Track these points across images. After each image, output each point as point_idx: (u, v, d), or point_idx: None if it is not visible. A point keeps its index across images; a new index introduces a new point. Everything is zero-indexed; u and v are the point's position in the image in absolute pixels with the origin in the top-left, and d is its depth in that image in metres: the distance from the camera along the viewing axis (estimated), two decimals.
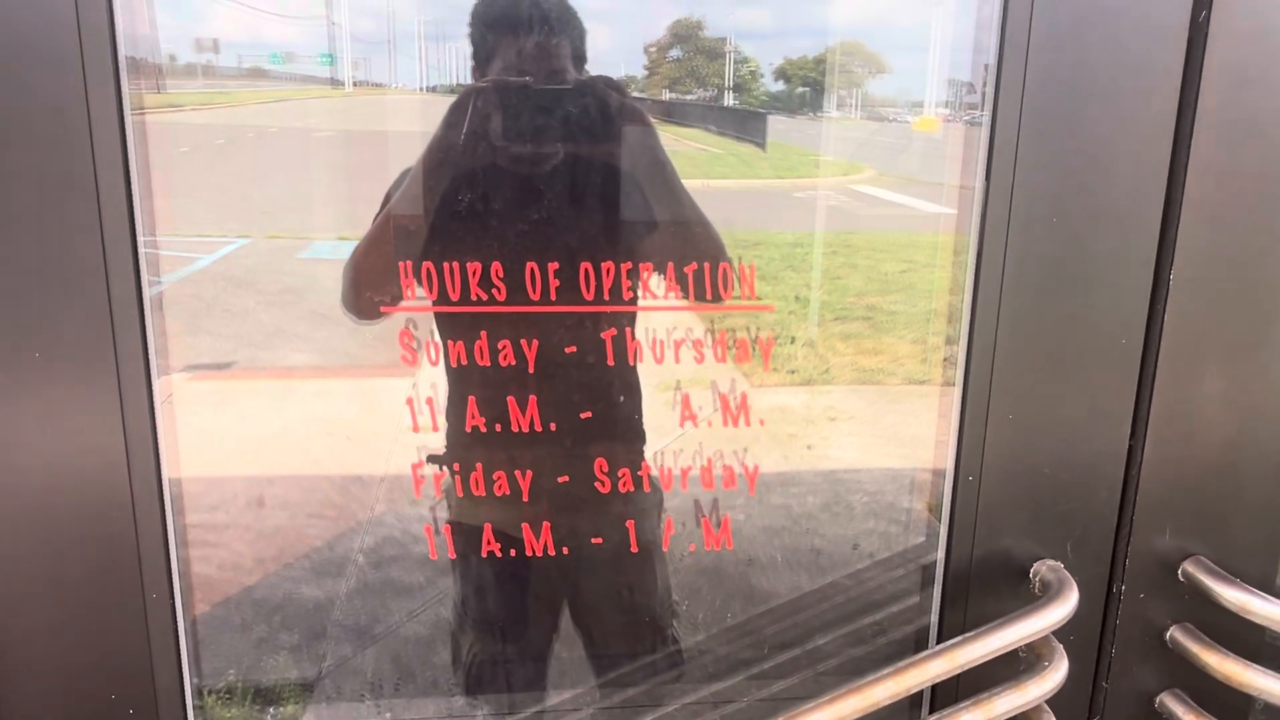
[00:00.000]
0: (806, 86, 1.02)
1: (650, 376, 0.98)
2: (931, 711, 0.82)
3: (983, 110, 0.79)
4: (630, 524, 0.98)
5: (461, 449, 0.91)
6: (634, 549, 0.98)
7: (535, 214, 0.89)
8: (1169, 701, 0.88)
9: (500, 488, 0.89)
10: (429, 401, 0.89)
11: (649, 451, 1.01)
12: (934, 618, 0.90)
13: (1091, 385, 0.83)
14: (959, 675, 0.78)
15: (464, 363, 0.86)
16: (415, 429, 0.89)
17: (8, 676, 0.79)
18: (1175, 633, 0.86)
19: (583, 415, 0.95)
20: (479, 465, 0.89)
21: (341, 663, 1.39)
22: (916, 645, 0.98)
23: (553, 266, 0.83)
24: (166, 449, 0.77)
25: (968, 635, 0.77)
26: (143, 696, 0.80)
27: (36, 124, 0.68)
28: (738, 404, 0.93)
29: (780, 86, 0.98)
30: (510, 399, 0.88)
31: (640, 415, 1.01)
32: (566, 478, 0.93)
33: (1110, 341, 0.82)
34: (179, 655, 0.80)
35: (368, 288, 0.90)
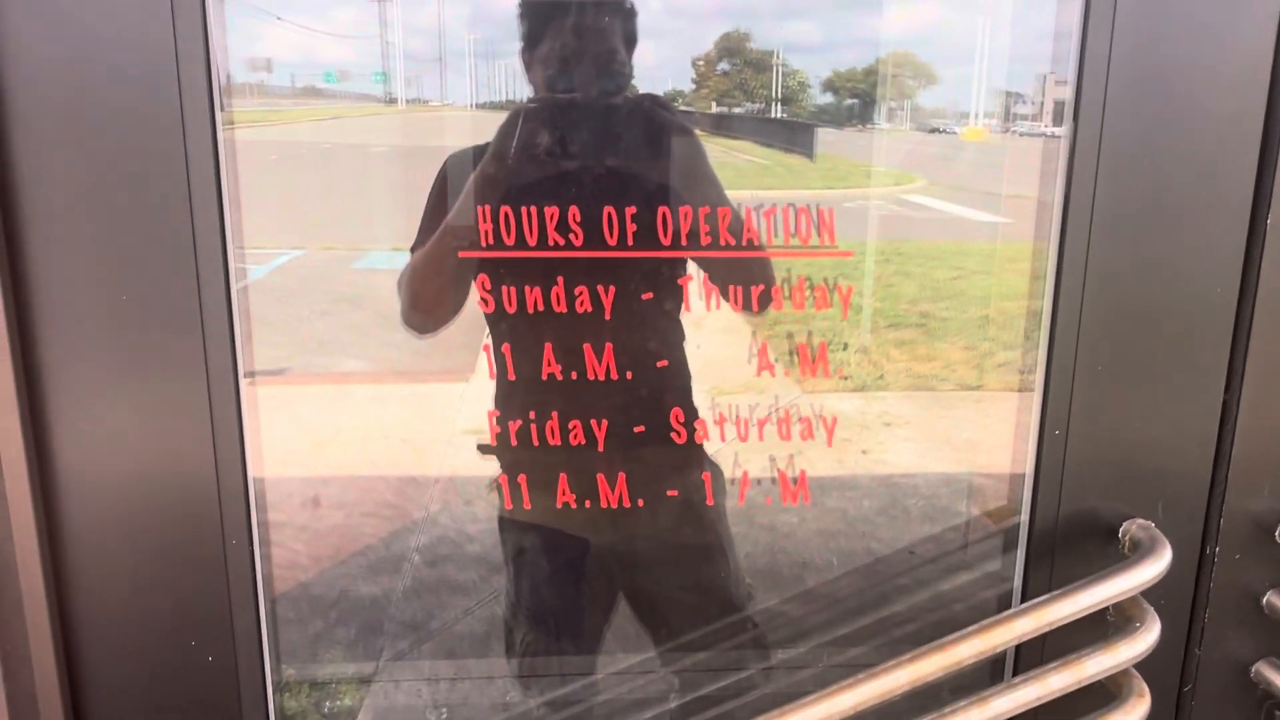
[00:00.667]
0: (855, 98, 1.01)
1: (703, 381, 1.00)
2: (1015, 674, 0.81)
3: (1037, 120, 0.77)
4: (706, 476, 0.99)
5: (532, 401, 0.92)
6: (709, 502, 1.00)
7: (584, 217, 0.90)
8: (1265, 670, 0.85)
9: (575, 437, 0.89)
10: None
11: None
12: (1017, 580, 0.88)
13: (1183, 336, 0.80)
14: (1044, 638, 0.76)
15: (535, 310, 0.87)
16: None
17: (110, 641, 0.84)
18: (1273, 598, 0.83)
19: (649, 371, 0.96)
20: (554, 414, 0.90)
21: (398, 656, 1.44)
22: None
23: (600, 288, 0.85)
24: (250, 437, 0.81)
25: (1055, 593, 0.75)
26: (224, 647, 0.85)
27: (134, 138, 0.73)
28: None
29: (829, 98, 0.97)
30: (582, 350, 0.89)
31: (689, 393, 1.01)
32: (642, 428, 0.94)
33: (1203, 290, 0.79)
34: (257, 603, 0.84)
35: (433, 296, 0.93)
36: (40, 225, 0.73)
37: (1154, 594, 0.77)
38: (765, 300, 0.92)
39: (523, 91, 0.92)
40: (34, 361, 0.76)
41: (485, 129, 0.92)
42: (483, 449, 0.95)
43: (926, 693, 0.74)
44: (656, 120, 0.90)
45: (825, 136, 1.04)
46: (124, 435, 0.80)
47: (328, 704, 1.39)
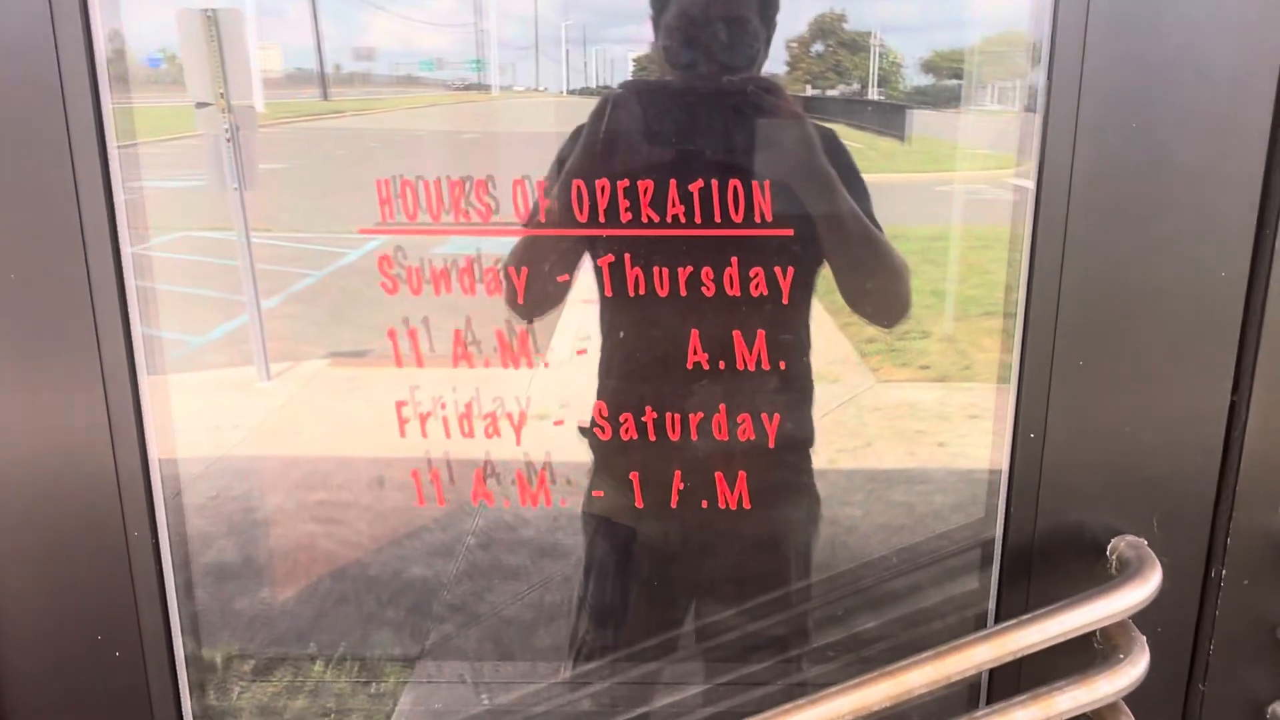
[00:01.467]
0: (954, 78, 1.00)
1: None
2: (988, 702, 0.75)
3: None
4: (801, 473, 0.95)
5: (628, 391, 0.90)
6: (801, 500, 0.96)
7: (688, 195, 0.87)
8: None
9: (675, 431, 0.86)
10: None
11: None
12: (991, 602, 0.80)
13: (1183, 326, 0.70)
14: (1020, 665, 0.69)
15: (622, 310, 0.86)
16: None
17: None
18: None
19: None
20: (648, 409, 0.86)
21: (444, 640, 1.44)
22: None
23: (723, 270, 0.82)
24: (151, 425, 0.79)
25: (1023, 619, 0.67)
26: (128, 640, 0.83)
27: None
28: None
29: (926, 79, 0.97)
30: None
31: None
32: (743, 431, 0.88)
33: (1208, 274, 0.69)
34: (164, 597, 0.81)
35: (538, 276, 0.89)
36: None
37: (1148, 621, 0.68)
38: (898, 312, 0.88)
39: (614, 77, 0.91)
40: None
41: (577, 115, 0.90)
42: (583, 431, 0.93)
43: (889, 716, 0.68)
44: (764, 107, 0.85)
45: (922, 119, 1.04)
46: (18, 425, 0.79)
47: (373, 685, 1.40)
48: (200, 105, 1.60)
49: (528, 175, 0.82)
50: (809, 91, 0.96)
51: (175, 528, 0.83)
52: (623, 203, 0.80)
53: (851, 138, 1.02)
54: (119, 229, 0.74)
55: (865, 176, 0.91)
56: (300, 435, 1.99)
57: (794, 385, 0.91)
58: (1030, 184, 0.72)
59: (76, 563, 0.82)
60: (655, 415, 0.85)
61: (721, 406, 0.85)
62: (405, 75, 0.99)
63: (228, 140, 1.59)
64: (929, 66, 0.99)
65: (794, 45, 0.94)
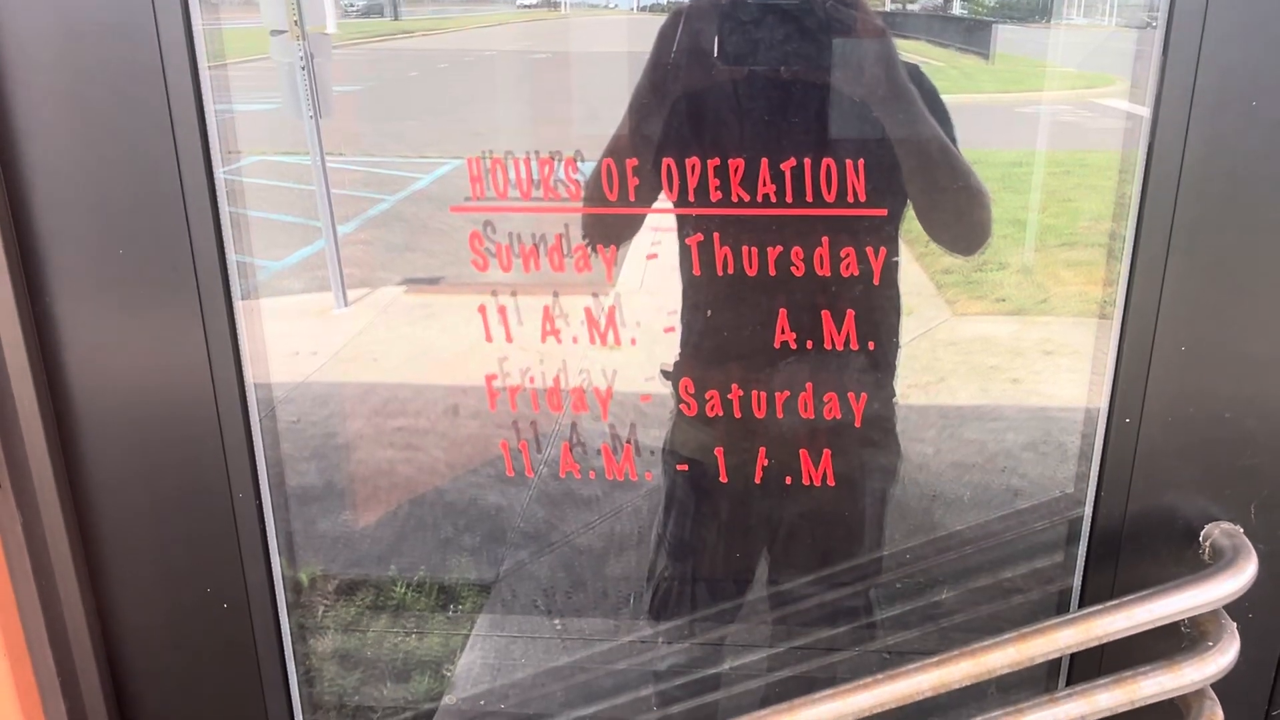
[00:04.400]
0: None
1: None
2: (1068, 684, 0.75)
3: None
4: (876, 449, 0.95)
5: (695, 361, 0.90)
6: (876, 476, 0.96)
7: (767, 121, 0.86)
8: None
9: (740, 401, 0.86)
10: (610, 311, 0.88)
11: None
12: (1076, 581, 0.79)
13: None
14: (1103, 648, 0.68)
15: (698, 272, 0.84)
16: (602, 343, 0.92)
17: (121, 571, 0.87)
18: None
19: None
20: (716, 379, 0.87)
21: (518, 567, 1.50)
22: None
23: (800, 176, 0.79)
24: (250, 356, 0.82)
25: (1110, 604, 0.66)
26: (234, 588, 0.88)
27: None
28: None
29: None
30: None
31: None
32: (805, 389, 0.89)
33: None
34: (266, 549, 0.86)
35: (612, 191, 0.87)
36: (39, 163, 0.76)
37: (1239, 608, 0.66)
38: (978, 240, 0.86)
39: None
40: (42, 305, 0.80)
41: (646, 33, 0.92)
42: (665, 374, 0.94)
43: (969, 689, 0.68)
44: (843, 20, 0.82)
45: (1008, 34, 0.98)
46: (123, 350, 0.82)
47: (451, 607, 1.47)
48: (275, 33, 1.62)
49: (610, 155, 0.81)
50: (888, 6, 0.93)
51: (270, 449, 0.87)
52: (689, 167, 0.78)
53: (931, 54, 0.98)
54: (211, 152, 0.75)
55: (946, 98, 0.88)
56: (378, 362, 2.06)
57: (881, 361, 0.90)
58: (1135, 107, 0.68)
59: (179, 478, 0.85)
60: (741, 392, 0.85)
61: (809, 385, 0.85)
62: None
63: (302, 68, 1.61)
64: None
65: None
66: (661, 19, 0.85)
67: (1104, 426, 0.72)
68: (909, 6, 0.91)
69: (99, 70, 0.74)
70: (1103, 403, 0.72)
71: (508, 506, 1.63)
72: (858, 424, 0.87)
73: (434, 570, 1.46)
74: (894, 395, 0.92)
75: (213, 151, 0.76)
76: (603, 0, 1.02)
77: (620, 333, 0.83)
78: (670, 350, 0.91)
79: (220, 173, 0.78)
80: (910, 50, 0.98)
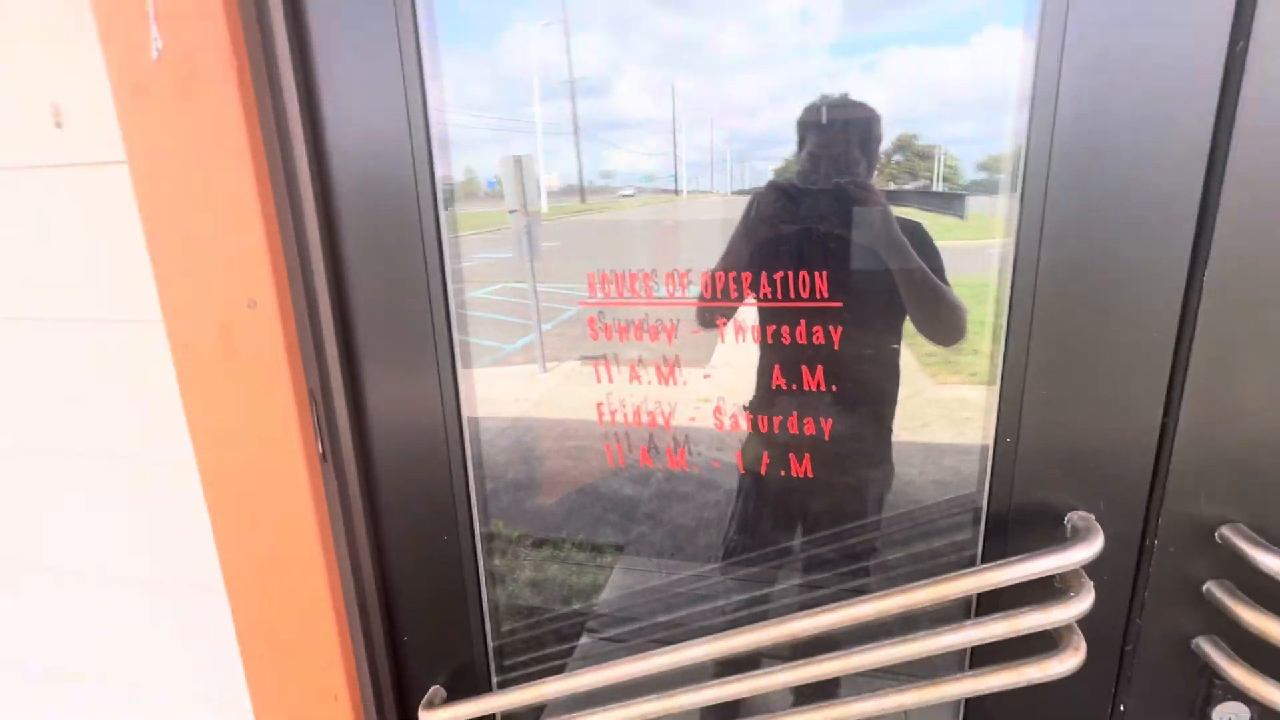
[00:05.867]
0: (1000, 173, 0.99)
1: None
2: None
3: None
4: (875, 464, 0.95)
5: (764, 401, 0.93)
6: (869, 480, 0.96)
7: (810, 255, 0.89)
8: (1205, 645, 0.69)
9: (791, 428, 0.88)
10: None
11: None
12: (978, 548, 0.77)
13: (1123, 368, 0.65)
14: (999, 595, 0.68)
15: (770, 342, 0.87)
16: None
17: (392, 523, 0.91)
18: (1212, 586, 0.67)
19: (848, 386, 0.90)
20: (777, 412, 0.89)
21: (640, 535, 1.55)
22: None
23: (820, 279, 0.84)
24: (465, 400, 0.85)
25: (998, 563, 0.66)
26: (451, 524, 0.91)
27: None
28: None
29: (981, 175, 0.97)
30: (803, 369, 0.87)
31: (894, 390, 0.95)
32: (831, 422, 0.90)
33: (1142, 335, 0.64)
34: (470, 507, 0.89)
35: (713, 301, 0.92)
36: (357, 280, 0.81)
37: (1095, 572, 0.65)
38: (954, 338, 0.87)
39: (759, 182, 0.92)
40: (354, 350, 0.84)
41: (737, 206, 0.94)
42: (745, 407, 0.94)
43: (908, 618, 0.69)
44: (858, 198, 0.87)
45: (976, 202, 1.01)
46: (395, 396, 0.85)
47: (588, 571, 1.53)
48: (511, 211, 1.85)
49: (687, 269, 0.88)
50: (891, 186, 0.97)
51: (476, 459, 0.89)
52: (763, 280, 0.83)
53: (920, 216, 1.02)
54: (447, 279, 0.80)
55: (937, 242, 0.89)
56: (561, 406, 2.21)
57: (884, 401, 0.91)
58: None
59: (426, 478, 0.88)
60: (780, 418, 0.87)
61: (831, 420, 0.86)
62: (631, 185, 1.07)
63: (526, 231, 1.82)
64: (981, 167, 1.00)
65: (882, 157, 0.97)
66: (745, 200, 0.92)
67: (992, 443, 0.71)
68: (904, 186, 0.94)
69: (387, 216, 0.78)
70: (991, 427, 0.71)
71: (635, 495, 1.69)
72: (865, 446, 0.89)
73: (589, 535, 1.53)
74: (891, 432, 0.93)
75: (448, 278, 0.80)
76: (707, 186, 1.10)
77: (677, 375, 0.88)
78: (704, 389, 0.94)
79: (451, 290, 0.81)
80: (903, 213, 1.00)
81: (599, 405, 0.91)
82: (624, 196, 1.10)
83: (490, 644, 0.93)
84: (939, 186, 0.94)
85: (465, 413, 0.85)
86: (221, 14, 0.69)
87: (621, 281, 0.84)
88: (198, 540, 0.91)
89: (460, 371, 0.83)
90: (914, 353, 0.95)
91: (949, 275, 0.92)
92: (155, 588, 0.96)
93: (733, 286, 0.87)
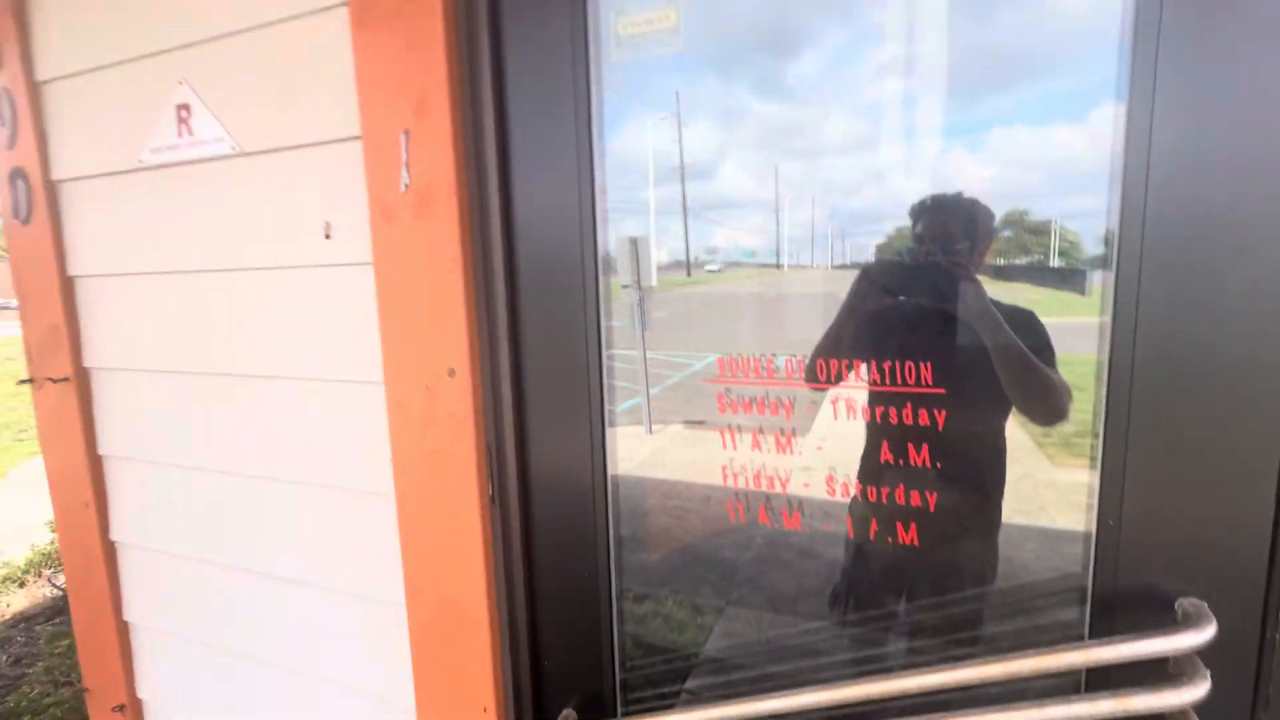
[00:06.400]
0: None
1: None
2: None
3: None
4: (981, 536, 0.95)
5: (872, 474, 0.95)
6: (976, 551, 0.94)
7: (916, 337, 0.91)
8: None
9: (897, 498, 0.91)
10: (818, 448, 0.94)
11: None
12: (1086, 628, 0.77)
13: (1231, 453, 0.65)
14: (1109, 673, 0.67)
15: (878, 421, 0.89)
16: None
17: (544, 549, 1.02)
18: None
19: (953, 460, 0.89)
20: (884, 486, 0.92)
21: (739, 599, 1.58)
22: None
23: (926, 367, 0.86)
24: (610, 459, 0.94)
25: (1102, 640, 0.67)
26: (592, 596, 1.00)
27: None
28: None
29: (1103, 250, 0.84)
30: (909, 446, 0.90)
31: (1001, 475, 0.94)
32: (936, 496, 0.91)
33: (1251, 419, 0.65)
34: (609, 552, 0.98)
35: (823, 370, 0.95)
36: (529, 346, 0.95)
37: (1215, 660, 0.64)
38: (1053, 419, 0.85)
39: (861, 258, 0.96)
40: (524, 411, 0.97)
41: (838, 280, 0.98)
42: (857, 476, 0.97)
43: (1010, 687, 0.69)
44: (952, 274, 0.89)
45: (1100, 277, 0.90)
46: (556, 448, 0.97)
47: (699, 618, 1.57)
48: (625, 285, 2.01)
49: (797, 355, 0.92)
50: (1000, 262, 0.92)
51: (615, 509, 0.98)
52: (871, 367, 0.87)
53: (1035, 292, 0.94)
54: (603, 348, 0.92)
55: (1053, 319, 0.88)
56: (666, 466, 2.30)
57: (988, 478, 0.89)
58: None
59: (574, 523, 0.98)
60: (888, 490, 0.89)
61: (934, 494, 0.88)
62: (733, 260, 1.08)
63: (638, 303, 1.97)
64: (1102, 240, 0.86)
65: (989, 235, 0.90)
66: (845, 274, 0.95)
67: (1096, 526, 0.72)
68: (1015, 261, 0.91)
69: (557, 302, 0.93)
70: (1094, 510, 0.71)
71: (734, 558, 1.73)
72: (967, 521, 0.88)
73: (691, 593, 1.58)
74: (998, 510, 0.91)
75: (604, 355, 0.93)
76: (808, 261, 1.05)
77: (794, 444, 0.93)
78: (816, 459, 0.97)
79: (605, 356, 0.93)
80: (1017, 289, 0.95)
81: (723, 467, 0.98)
82: (710, 272, 1.12)
83: (618, 676, 1.02)
84: (1055, 261, 0.91)
85: (611, 469, 0.96)
86: (451, 162, 0.93)
87: (748, 365, 0.94)
88: (388, 560, 1.09)
89: (609, 433, 0.95)
90: (1029, 434, 0.94)
91: (1068, 353, 0.90)
92: (353, 599, 1.16)
93: (837, 364, 0.92)
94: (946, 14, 0.83)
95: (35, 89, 1.26)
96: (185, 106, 1.13)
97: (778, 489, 0.95)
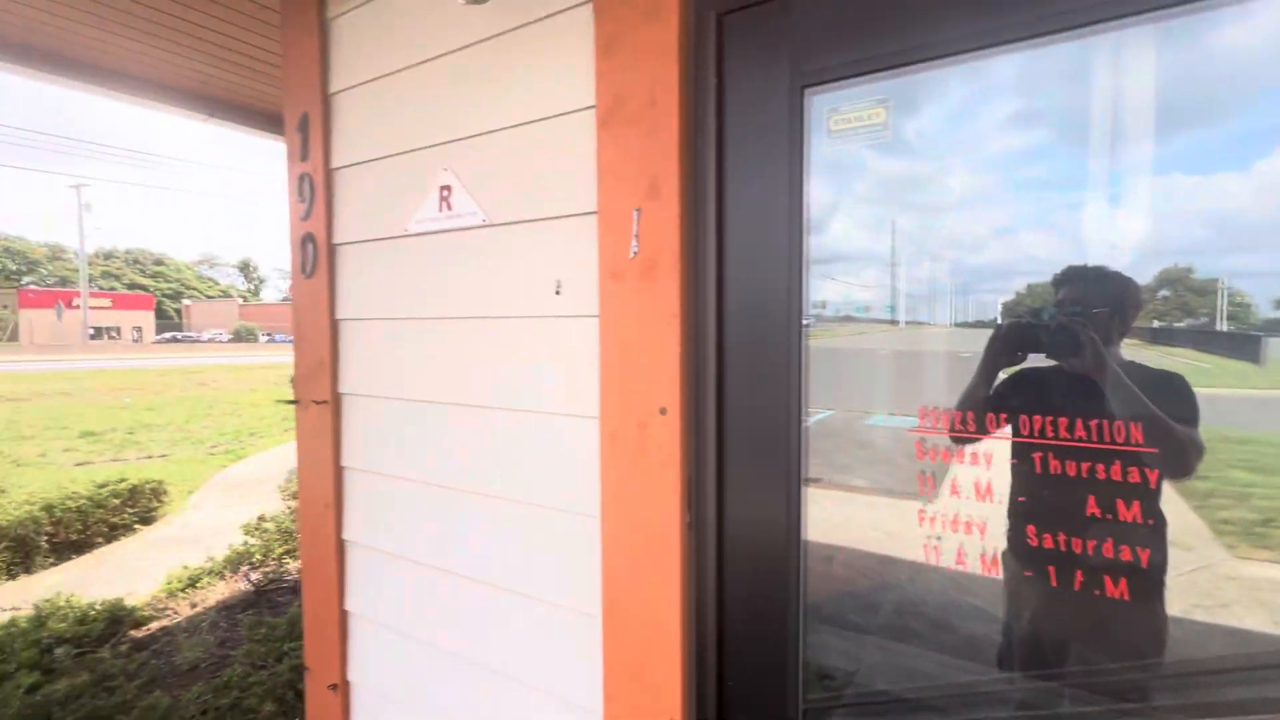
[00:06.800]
0: None
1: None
2: None
3: None
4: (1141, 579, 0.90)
5: (1020, 520, 0.98)
6: (1136, 594, 0.88)
7: (1055, 394, 0.93)
8: None
9: (1047, 543, 0.92)
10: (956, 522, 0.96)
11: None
12: None
13: None
14: None
15: (1025, 470, 0.92)
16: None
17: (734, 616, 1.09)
18: None
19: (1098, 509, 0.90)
20: (1031, 531, 0.94)
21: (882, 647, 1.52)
22: None
23: (1063, 422, 0.88)
24: (804, 521, 0.99)
25: None
26: (780, 623, 1.06)
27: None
28: None
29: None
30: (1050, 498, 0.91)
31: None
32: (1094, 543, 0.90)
33: None
34: (799, 585, 1.04)
35: (962, 423, 0.98)
36: (733, 379, 1.04)
37: None
38: (1180, 475, 0.86)
39: (984, 315, 0.98)
40: (724, 448, 1.05)
41: (958, 338, 0.99)
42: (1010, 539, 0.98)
43: None
44: (1084, 340, 0.90)
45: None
46: (750, 512, 1.05)
47: (890, 658, 1.50)
48: None
49: (1005, 412, 0.92)
50: (1155, 324, 0.89)
51: (804, 547, 1.01)
52: (1020, 419, 0.89)
53: (1202, 359, 0.91)
54: (803, 406, 0.98)
55: (1217, 390, 0.85)
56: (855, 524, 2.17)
57: (1150, 544, 0.86)
58: None
59: (767, 554, 1.04)
60: (1041, 543, 0.88)
61: (1090, 543, 0.87)
62: (846, 315, 1.09)
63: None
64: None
65: (1146, 294, 0.88)
66: (959, 331, 0.98)
67: None
68: (1175, 325, 0.87)
69: (759, 356, 1.03)
70: None
71: (870, 615, 1.67)
72: (1129, 588, 0.86)
73: (879, 628, 1.46)
74: (1163, 586, 0.87)
75: (804, 405, 0.98)
76: (926, 318, 1.06)
77: (994, 494, 0.93)
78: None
79: (804, 410, 0.98)
80: (1179, 355, 0.92)
81: (920, 510, 1.01)
82: (803, 325, 1.11)
83: (801, 706, 1.07)
84: (1223, 325, 0.86)
85: (805, 533, 0.99)
86: (676, 234, 1.11)
87: (946, 416, 1.00)
88: (589, 576, 1.23)
89: (804, 492, 1.01)
90: (1204, 519, 0.90)
91: (1240, 429, 0.89)
92: (553, 608, 1.31)
93: (983, 420, 0.95)
94: (1112, 60, 0.80)
95: (329, 175, 1.62)
96: (447, 187, 1.41)
97: (975, 534, 0.97)
